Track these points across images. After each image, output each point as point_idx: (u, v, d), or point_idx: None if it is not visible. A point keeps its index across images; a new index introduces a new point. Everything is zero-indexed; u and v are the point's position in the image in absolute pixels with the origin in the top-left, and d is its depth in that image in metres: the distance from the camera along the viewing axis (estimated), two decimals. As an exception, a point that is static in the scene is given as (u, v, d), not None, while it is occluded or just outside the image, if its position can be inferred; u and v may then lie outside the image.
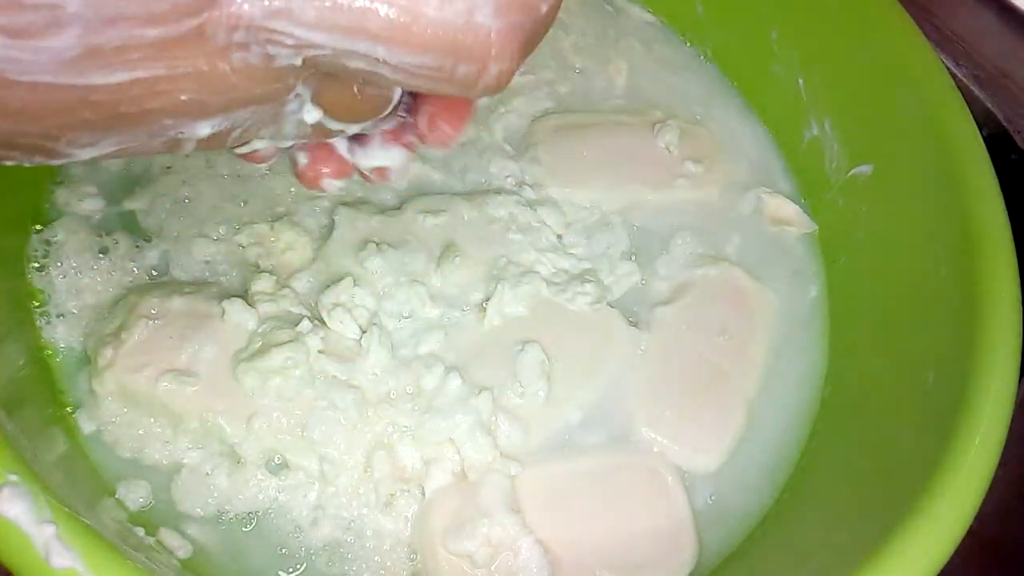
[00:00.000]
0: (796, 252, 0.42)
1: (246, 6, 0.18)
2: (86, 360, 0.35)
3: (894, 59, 0.38)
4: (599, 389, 0.36)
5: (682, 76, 0.47)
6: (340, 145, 0.26)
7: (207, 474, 0.33)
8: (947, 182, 0.35)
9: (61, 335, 0.35)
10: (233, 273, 0.37)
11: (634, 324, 0.38)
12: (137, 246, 0.37)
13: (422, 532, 0.32)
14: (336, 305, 0.35)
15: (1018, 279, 0.32)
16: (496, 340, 0.36)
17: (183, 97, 0.19)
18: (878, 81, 0.39)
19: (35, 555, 0.23)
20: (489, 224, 0.39)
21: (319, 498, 0.33)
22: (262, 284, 0.36)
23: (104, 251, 0.37)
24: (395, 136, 0.26)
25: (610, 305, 0.38)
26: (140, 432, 0.33)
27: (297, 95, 0.21)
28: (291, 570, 0.32)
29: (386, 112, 0.23)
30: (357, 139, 0.26)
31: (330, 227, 0.38)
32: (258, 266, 0.37)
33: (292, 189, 0.40)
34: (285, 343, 0.33)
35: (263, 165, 0.33)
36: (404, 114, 0.25)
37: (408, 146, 0.26)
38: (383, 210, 0.39)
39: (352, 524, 0.33)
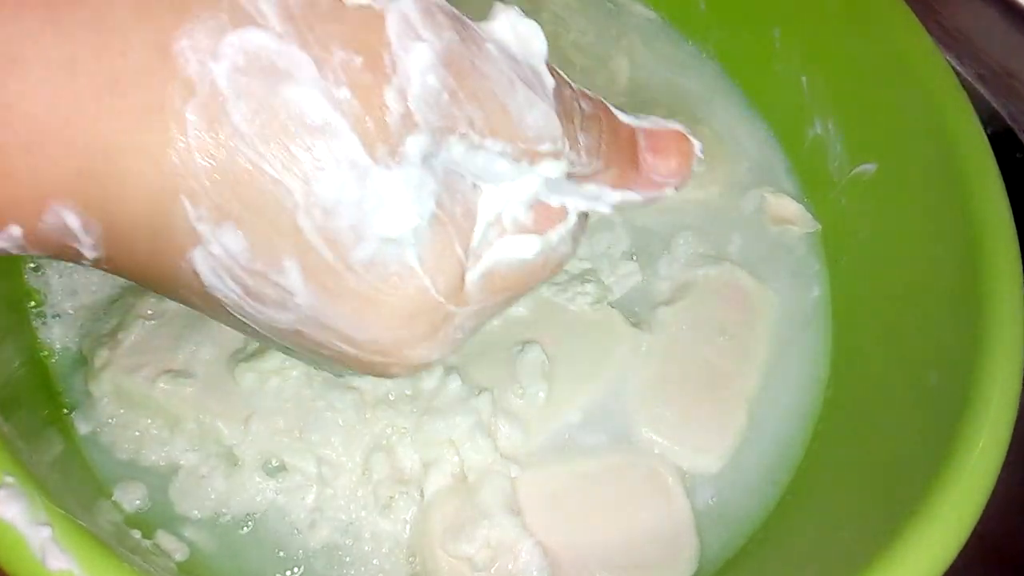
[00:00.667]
0: (798, 252, 0.42)
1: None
2: (82, 361, 0.34)
3: (898, 57, 0.38)
4: (600, 390, 0.36)
5: (684, 74, 0.47)
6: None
7: (204, 476, 0.32)
8: (951, 181, 0.34)
9: (57, 336, 0.35)
10: (231, 273, 0.37)
11: (635, 324, 0.38)
12: (135, 246, 0.37)
13: (421, 534, 0.32)
14: (335, 305, 0.35)
15: (1023, 279, 0.31)
16: (496, 340, 0.36)
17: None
18: (882, 79, 0.39)
19: (31, 557, 0.23)
20: (489, 223, 0.39)
21: (317, 500, 0.33)
22: (260, 284, 0.36)
23: (101, 251, 0.37)
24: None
25: (611, 305, 0.38)
26: (137, 433, 0.33)
27: None
28: (289, 573, 0.32)
29: None
30: None
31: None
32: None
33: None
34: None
35: None
36: None
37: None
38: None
39: (350, 526, 0.33)
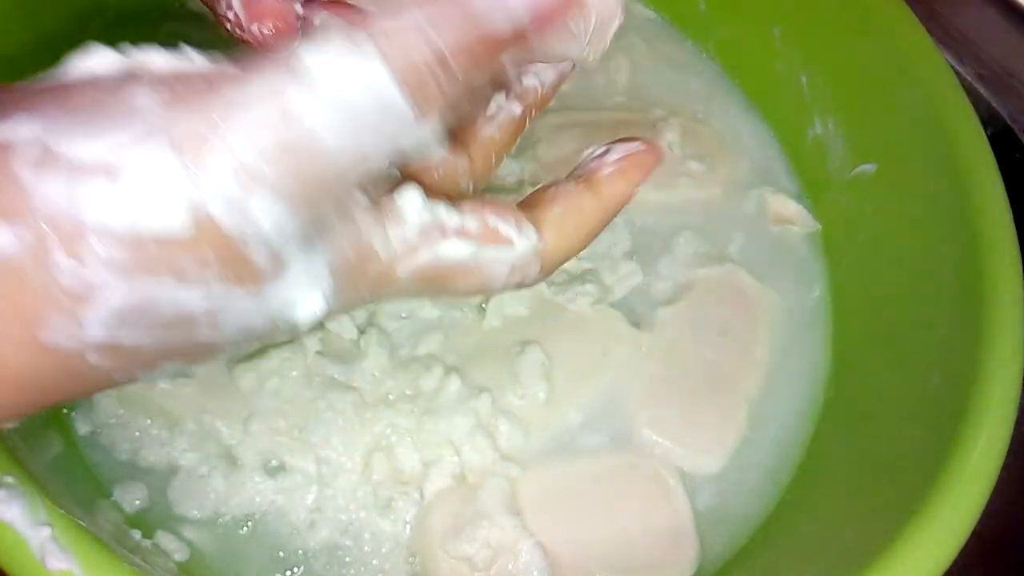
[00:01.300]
0: (799, 252, 0.42)
1: None
2: (83, 361, 0.34)
3: (898, 57, 0.38)
4: (600, 390, 0.36)
5: (684, 74, 0.47)
6: None
7: (204, 476, 0.32)
8: (951, 181, 0.34)
9: (57, 336, 0.35)
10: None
11: (635, 324, 0.38)
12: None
13: (421, 535, 0.32)
14: (335, 305, 0.35)
15: (1023, 279, 0.31)
16: (496, 341, 0.36)
17: None
18: (882, 79, 0.39)
19: (31, 557, 0.23)
20: (489, 223, 0.39)
21: (317, 500, 0.33)
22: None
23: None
24: None
25: (611, 305, 0.38)
26: (136, 434, 0.33)
27: None
28: (288, 573, 0.32)
29: None
30: None
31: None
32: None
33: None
34: (283, 343, 0.33)
35: None
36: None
37: None
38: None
39: (350, 527, 0.33)
